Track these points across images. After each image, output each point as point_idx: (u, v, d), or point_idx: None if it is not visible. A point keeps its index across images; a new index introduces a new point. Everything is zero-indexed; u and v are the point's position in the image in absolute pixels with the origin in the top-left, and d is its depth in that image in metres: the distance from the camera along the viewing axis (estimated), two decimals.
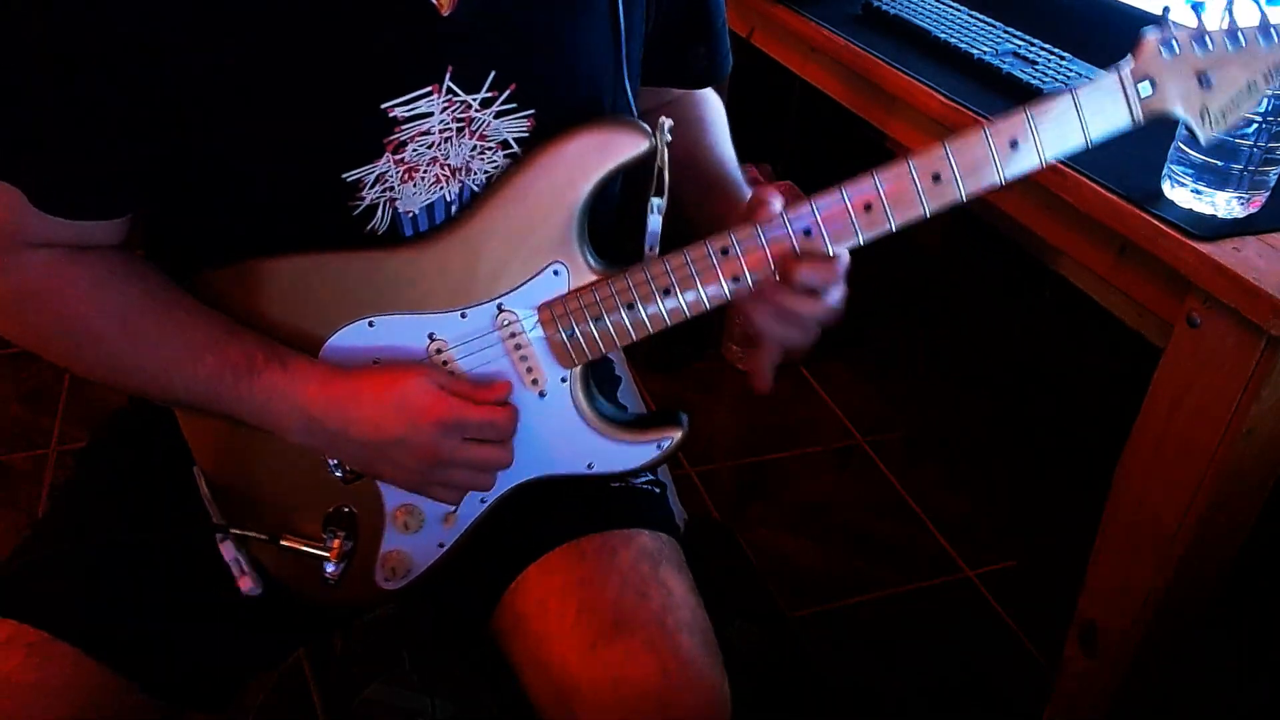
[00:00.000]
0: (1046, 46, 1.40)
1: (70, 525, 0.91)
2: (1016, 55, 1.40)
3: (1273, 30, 0.78)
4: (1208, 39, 0.78)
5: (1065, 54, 1.37)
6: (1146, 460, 1.11)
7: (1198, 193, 1.02)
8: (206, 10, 0.71)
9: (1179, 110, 0.79)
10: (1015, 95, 1.31)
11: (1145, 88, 0.78)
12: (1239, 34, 0.78)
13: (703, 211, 0.95)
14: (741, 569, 1.82)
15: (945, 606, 1.79)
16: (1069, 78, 1.31)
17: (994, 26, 1.49)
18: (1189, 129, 0.80)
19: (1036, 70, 1.34)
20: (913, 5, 1.59)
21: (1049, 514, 1.96)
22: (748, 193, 0.91)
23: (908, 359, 2.36)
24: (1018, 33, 1.46)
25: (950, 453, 2.13)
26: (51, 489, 1.97)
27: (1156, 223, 1.02)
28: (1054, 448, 2.11)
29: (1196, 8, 0.80)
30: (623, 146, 0.81)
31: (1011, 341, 2.35)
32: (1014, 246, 1.60)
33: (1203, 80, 0.78)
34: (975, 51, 1.41)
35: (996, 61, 1.37)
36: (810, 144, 2.67)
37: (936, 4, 1.59)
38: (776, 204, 0.80)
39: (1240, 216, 1.02)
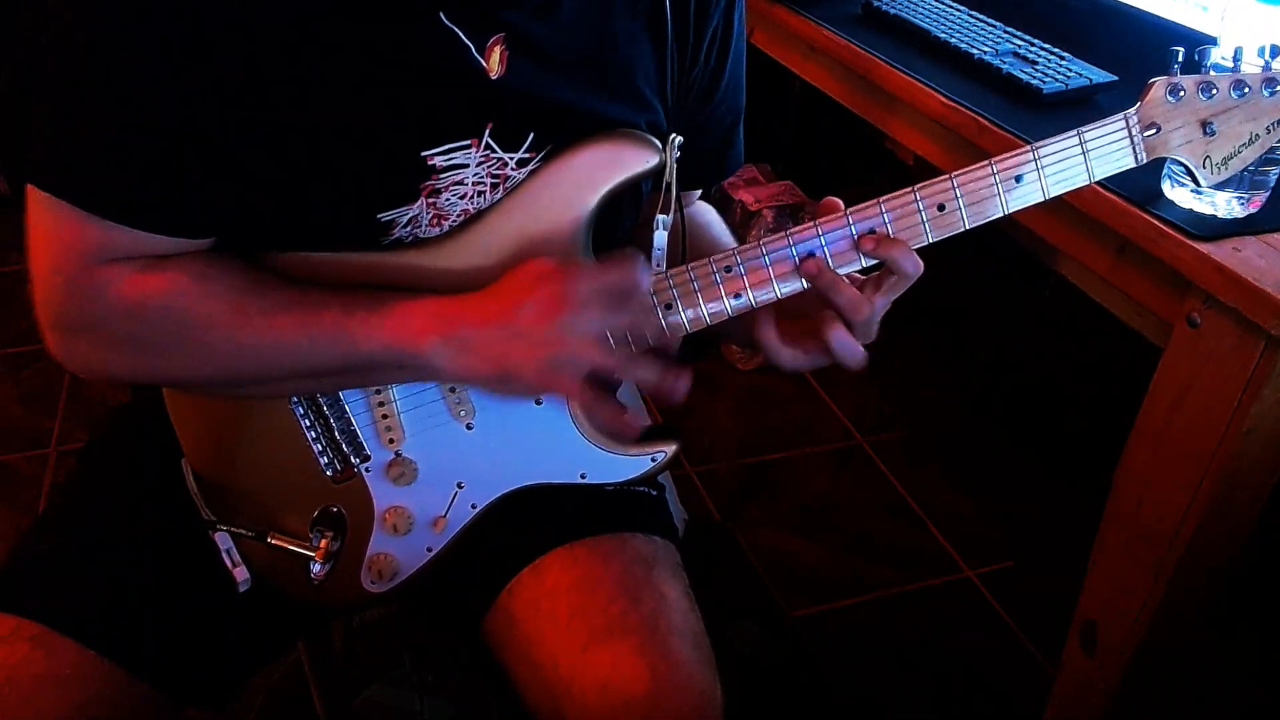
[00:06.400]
0: (1046, 46, 1.40)
1: (68, 521, 0.91)
2: (1016, 55, 1.40)
3: (1278, 82, 0.80)
4: (1214, 88, 0.80)
5: (1065, 54, 1.37)
6: (1146, 460, 1.11)
7: (1198, 193, 1.02)
8: (261, 50, 0.71)
9: (1182, 155, 0.81)
10: (1015, 95, 1.32)
11: (1150, 132, 0.80)
12: (1244, 84, 0.80)
13: None
14: (742, 569, 1.82)
15: (945, 606, 1.79)
16: (1069, 77, 1.31)
17: (994, 26, 1.49)
18: (1191, 173, 0.82)
19: (1036, 70, 1.34)
20: (913, 5, 1.59)
21: (1049, 514, 1.95)
22: None
23: (908, 359, 2.36)
24: (1018, 33, 1.46)
25: (950, 453, 2.13)
26: (52, 489, 1.97)
27: (1156, 223, 1.02)
28: (1054, 448, 2.11)
29: (1204, 54, 0.81)
30: (632, 160, 0.81)
31: (1011, 341, 2.35)
32: (1014, 246, 1.60)
33: (1206, 128, 0.80)
34: (975, 51, 1.41)
35: (996, 61, 1.37)
36: (810, 144, 2.67)
37: (936, 4, 1.59)
38: (840, 206, 0.80)
39: (1240, 216, 1.02)
